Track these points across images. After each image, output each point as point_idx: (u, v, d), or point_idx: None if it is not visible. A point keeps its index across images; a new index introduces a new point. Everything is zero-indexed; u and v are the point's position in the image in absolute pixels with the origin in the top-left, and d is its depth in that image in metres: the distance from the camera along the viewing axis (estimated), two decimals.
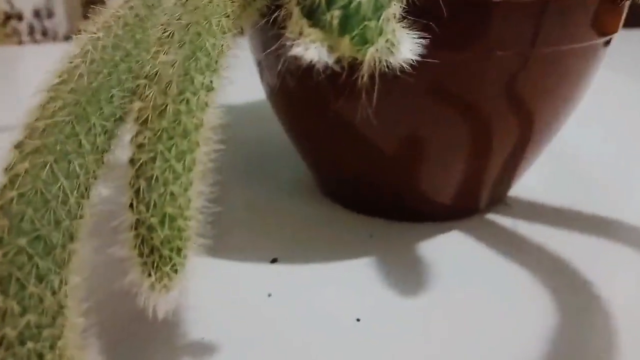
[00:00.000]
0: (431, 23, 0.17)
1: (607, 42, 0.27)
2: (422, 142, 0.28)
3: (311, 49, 0.14)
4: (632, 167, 0.39)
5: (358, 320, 0.25)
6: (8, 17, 1.22)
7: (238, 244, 0.30)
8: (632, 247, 0.30)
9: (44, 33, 1.27)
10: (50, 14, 1.27)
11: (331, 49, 0.14)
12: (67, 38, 1.29)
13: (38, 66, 0.18)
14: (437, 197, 0.31)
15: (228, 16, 0.16)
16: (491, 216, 0.32)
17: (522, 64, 0.25)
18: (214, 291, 0.26)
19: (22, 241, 0.13)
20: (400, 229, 0.31)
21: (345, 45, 0.14)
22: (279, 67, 0.16)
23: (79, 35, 0.20)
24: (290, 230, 0.31)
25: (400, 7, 0.15)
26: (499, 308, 0.26)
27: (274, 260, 0.28)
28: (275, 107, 0.32)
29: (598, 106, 0.38)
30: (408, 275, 0.28)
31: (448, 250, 0.29)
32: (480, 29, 0.24)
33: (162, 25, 0.16)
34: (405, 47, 0.15)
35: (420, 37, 0.16)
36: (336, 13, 0.14)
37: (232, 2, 0.17)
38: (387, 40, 0.14)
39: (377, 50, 0.14)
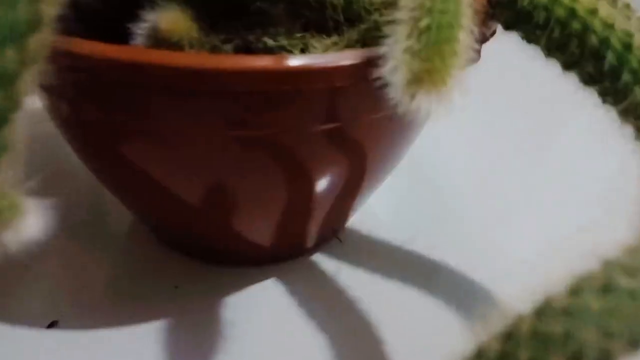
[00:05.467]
0: None
1: None
2: (233, 192, 0.25)
3: None
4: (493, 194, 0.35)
5: None
6: None
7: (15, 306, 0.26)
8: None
9: None
10: None
11: None
12: None
13: None
14: (256, 241, 0.28)
15: None
16: (317, 257, 0.29)
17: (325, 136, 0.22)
18: None
19: None
20: (213, 275, 0.28)
21: None
22: None
23: None
24: (77, 283, 0.27)
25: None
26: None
27: (52, 324, 0.25)
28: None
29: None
30: (205, 334, 0.25)
31: (256, 299, 0.27)
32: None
33: None
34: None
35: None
36: None
37: None
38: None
39: None
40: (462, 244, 0.31)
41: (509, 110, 0.42)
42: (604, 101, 0.18)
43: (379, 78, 0.16)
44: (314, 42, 0.21)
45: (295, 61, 0.18)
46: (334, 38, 0.21)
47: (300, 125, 0.20)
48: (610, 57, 0.17)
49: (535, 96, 0.43)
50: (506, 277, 0.29)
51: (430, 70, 0.15)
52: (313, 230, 0.28)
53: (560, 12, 0.18)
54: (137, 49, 0.18)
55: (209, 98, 0.18)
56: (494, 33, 0.22)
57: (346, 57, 0.18)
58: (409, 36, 0.16)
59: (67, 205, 0.32)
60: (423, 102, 0.16)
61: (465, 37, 0.16)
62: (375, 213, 0.32)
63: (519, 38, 0.20)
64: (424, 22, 0.16)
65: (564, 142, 0.39)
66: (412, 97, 0.16)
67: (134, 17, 0.19)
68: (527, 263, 0.29)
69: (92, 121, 0.22)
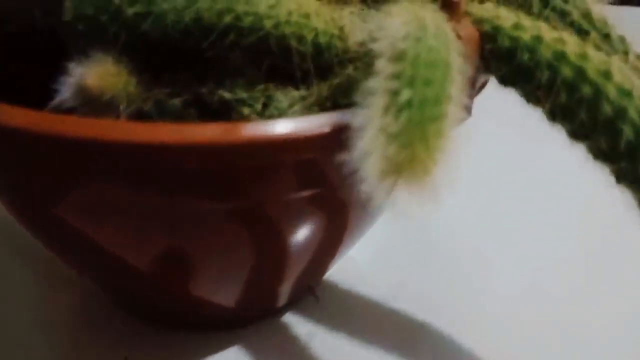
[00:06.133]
0: None
1: None
2: (194, 258, 0.21)
3: None
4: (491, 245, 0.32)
5: None
6: None
7: None
8: None
9: None
10: None
11: None
12: None
13: None
14: (220, 302, 0.25)
15: None
16: (289, 318, 0.26)
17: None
18: None
19: None
20: (169, 341, 0.25)
21: None
22: None
23: None
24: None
25: None
26: None
27: None
28: None
29: None
30: None
31: None
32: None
33: None
34: None
35: None
36: None
37: None
38: None
39: None
40: (448, 295, 0.28)
41: (498, 156, 0.39)
42: (619, 182, 0.15)
43: (349, 161, 0.13)
44: (279, 95, 0.18)
45: (248, 131, 0.15)
46: (302, 91, 0.18)
47: (266, 196, 0.17)
48: (627, 132, 0.14)
49: (524, 140, 0.40)
50: (493, 336, 0.26)
51: (410, 158, 0.12)
52: (285, 290, 0.25)
53: (567, 72, 0.15)
54: (50, 116, 0.14)
55: (144, 174, 0.15)
56: (484, 85, 0.19)
57: (312, 126, 0.15)
58: (385, 111, 0.13)
59: (12, 258, 0.29)
60: (401, 195, 0.13)
61: (454, 110, 0.13)
62: (356, 261, 0.29)
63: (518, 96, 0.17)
64: (404, 96, 0.13)
65: (557, 188, 0.36)
66: (388, 188, 0.13)
67: (60, 70, 0.16)
68: (515, 321, 0.27)
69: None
